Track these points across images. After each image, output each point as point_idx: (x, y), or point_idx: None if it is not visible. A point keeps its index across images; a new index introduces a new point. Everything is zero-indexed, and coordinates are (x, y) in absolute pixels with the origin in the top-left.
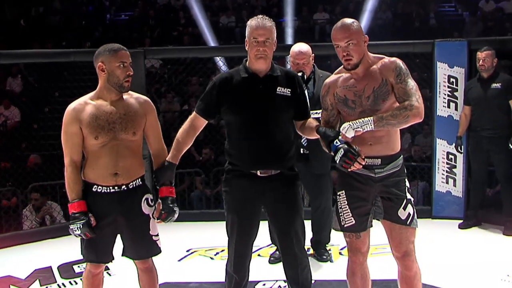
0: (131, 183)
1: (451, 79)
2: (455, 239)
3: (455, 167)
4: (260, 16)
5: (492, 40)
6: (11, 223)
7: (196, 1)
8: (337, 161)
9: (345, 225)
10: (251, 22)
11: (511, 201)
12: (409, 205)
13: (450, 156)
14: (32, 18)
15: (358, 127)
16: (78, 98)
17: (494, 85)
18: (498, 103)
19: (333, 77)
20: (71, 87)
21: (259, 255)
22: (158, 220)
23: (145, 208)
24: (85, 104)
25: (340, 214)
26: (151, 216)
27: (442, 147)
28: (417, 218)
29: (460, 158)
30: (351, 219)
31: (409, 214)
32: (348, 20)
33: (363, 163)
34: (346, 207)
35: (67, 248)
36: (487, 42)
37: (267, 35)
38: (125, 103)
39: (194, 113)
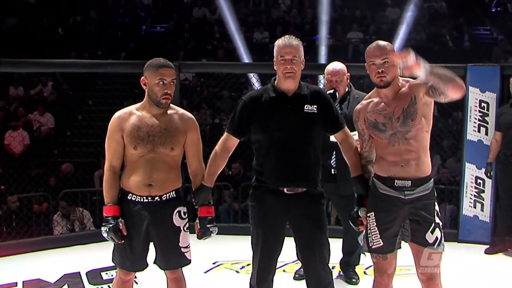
0: (165, 195)
1: (482, 104)
2: (480, 264)
3: (483, 191)
4: (287, 36)
5: None
6: (42, 228)
7: (231, 16)
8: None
9: (373, 246)
10: (278, 42)
11: None
12: (437, 229)
13: (479, 181)
14: (70, 27)
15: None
16: (112, 107)
17: None
18: None
19: (363, 102)
20: (104, 96)
21: (284, 270)
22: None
23: (176, 220)
24: (130, 114)
25: (369, 235)
26: (182, 229)
27: (471, 171)
28: (444, 241)
29: (488, 183)
30: (379, 241)
31: (436, 238)
32: (384, 42)
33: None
34: (375, 228)
35: (96, 255)
36: None
37: (294, 52)
38: (168, 117)
39: (226, 134)
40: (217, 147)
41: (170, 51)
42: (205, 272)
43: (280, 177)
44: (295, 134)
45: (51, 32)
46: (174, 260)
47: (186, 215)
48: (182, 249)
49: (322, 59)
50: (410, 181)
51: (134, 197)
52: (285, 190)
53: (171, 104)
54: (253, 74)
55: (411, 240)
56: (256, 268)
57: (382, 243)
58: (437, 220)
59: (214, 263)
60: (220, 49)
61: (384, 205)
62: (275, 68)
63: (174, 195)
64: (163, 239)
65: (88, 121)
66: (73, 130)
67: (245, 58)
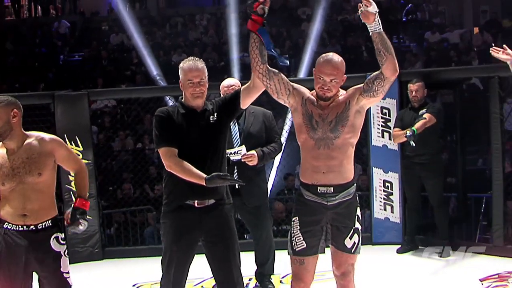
0: (40, 224)
1: (384, 110)
2: (393, 263)
3: (391, 194)
4: (192, 58)
5: (419, 72)
6: None
7: (145, 41)
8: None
9: (296, 249)
10: (184, 65)
11: (444, 224)
12: (356, 235)
13: (387, 184)
14: None
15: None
16: None
17: (422, 111)
18: (430, 129)
19: (305, 90)
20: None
21: (202, 287)
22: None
23: (55, 246)
24: None
25: (292, 239)
26: (62, 254)
27: (378, 175)
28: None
29: (396, 185)
30: (303, 243)
31: (354, 243)
32: (337, 58)
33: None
34: (298, 232)
35: None
36: (415, 73)
37: (201, 75)
38: (27, 146)
39: (163, 149)
40: (171, 163)
41: (89, 79)
42: None
43: (189, 191)
44: (204, 147)
45: None
46: (56, 286)
47: (65, 240)
48: (64, 274)
49: (236, 76)
50: (332, 188)
51: (10, 226)
52: (195, 203)
53: (29, 132)
54: (169, 97)
55: (331, 243)
56: (169, 282)
57: (305, 245)
58: (357, 225)
59: (134, 285)
60: (139, 74)
61: (308, 210)
62: (181, 89)
63: (50, 224)
64: (44, 266)
65: None
66: None
67: (163, 81)
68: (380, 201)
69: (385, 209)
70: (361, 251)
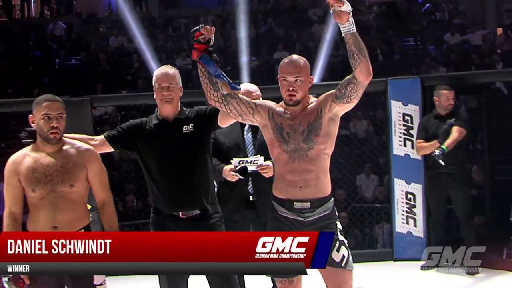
0: None
1: (406, 117)
2: (416, 281)
3: (414, 206)
4: (164, 66)
5: (443, 76)
6: None
7: (149, 44)
8: None
9: None
10: (156, 72)
11: (472, 238)
12: (343, 247)
13: (409, 196)
14: None
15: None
16: None
17: (449, 121)
18: None
19: (269, 102)
20: (18, 138)
21: None
22: None
23: None
24: (24, 156)
25: None
26: None
27: (400, 187)
28: (379, 261)
29: (419, 197)
30: None
31: (343, 256)
32: (298, 57)
33: None
34: None
35: None
36: (439, 78)
37: (170, 80)
38: (64, 154)
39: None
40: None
41: (87, 84)
42: None
43: (172, 202)
44: (176, 157)
45: None
46: None
47: None
48: (97, 286)
49: (245, 81)
50: (309, 203)
51: None
52: (180, 214)
53: (67, 139)
54: None
55: None
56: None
57: None
58: (341, 237)
59: None
60: (140, 78)
61: (285, 227)
62: (154, 97)
63: None
64: (76, 278)
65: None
66: None
67: None
68: (402, 214)
69: (407, 223)
70: (382, 268)
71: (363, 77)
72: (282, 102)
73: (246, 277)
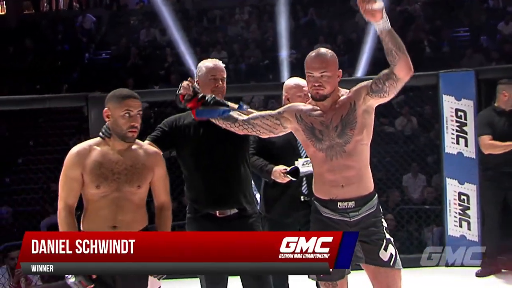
0: None
1: (459, 113)
2: None
3: (468, 208)
4: (209, 59)
5: (500, 69)
6: None
7: (183, 37)
8: None
9: (321, 274)
10: (206, 63)
11: None
12: (390, 245)
13: (463, 197)
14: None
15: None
16: (55, 147)
17: None
18: None
19: (296, 103)
20: (47, 136)
21: None
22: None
23: None
24: (90, 149)
25: None
26: None
27: (453, 187)
28: (431, 266)
29: (473, 198)
30: None
31: (391, 254)
32: (325, 50)
33: None
34: None
35: None
36: (496, 70)
37: (223, 74)
38: (133, 153)
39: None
40: None
41: (117, 79)
42: None
43: (209, 200)
44: (216, 153)
45: None
46: None
47: None
48: None
49: (285, 75)
50: (353, 202)
51: None
52: (216, 213)
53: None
54: None
55: (365, 262)
56: None
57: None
58: (388, 236)
59: None
60: (174, 73)
61: (330, 229)
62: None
63: None
64: (129, 283)
65: (29, 165)
66: (12, 175)
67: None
68: (455, 217)
69: (460, 226)
70: (433, 273)
71: (403, 73)
72: (311, 99)
73: (290, 281)
